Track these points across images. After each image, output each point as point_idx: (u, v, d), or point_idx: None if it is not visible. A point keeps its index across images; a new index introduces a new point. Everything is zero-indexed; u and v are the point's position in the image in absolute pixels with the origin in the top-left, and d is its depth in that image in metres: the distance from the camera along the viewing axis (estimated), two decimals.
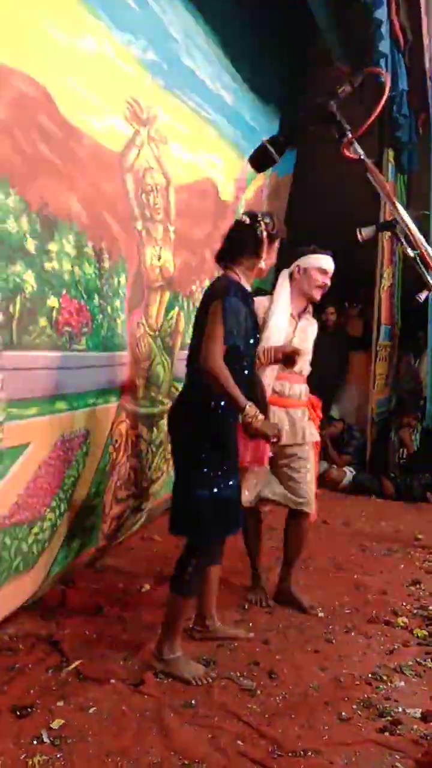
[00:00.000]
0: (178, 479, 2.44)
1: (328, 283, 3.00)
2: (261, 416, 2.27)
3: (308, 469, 3.01)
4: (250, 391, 2.41)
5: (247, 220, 2.38)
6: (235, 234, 2.43)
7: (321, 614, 2.95)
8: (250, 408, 2.25)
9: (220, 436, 2.36)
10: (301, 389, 3.02)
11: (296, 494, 2.98)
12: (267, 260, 2.42)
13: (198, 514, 2.33)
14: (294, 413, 2.97)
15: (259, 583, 3.12)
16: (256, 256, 2.38)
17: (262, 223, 2.36)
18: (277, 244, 2.47)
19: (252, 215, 2.41)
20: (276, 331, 2.90)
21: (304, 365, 3.02)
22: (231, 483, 2.40)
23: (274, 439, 2.33)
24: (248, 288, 2.43)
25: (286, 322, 2.95)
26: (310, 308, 3.09)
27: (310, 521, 3.07)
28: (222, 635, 2.67)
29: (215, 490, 2.33)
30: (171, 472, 3.73)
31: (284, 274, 3.03)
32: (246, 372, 2.42)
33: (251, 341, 2.43)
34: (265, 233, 2.36)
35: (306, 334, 3.05)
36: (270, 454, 2.89)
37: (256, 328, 2.53)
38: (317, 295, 3.00)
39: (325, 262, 2.98)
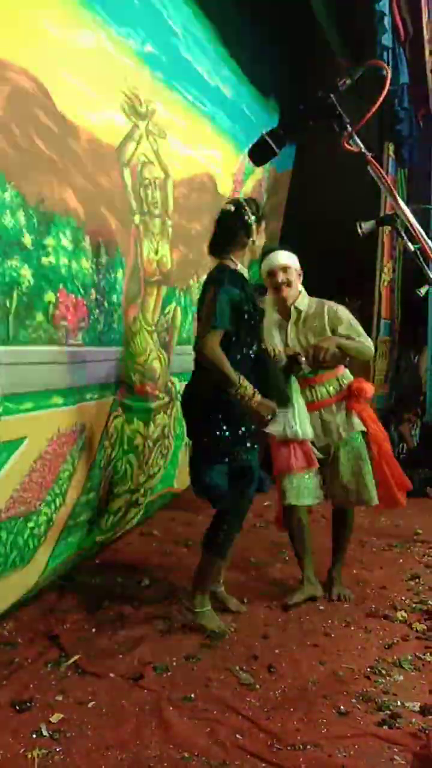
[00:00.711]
0: (194, 454, 2.67)
1: (286, 277, 2.91)
2: (258, 396, 2.44)
3: (354, 464, 2.98)
4: (255, 373, 2.55)
5: (233, 208, 2.53)
6: (224, 223, 2.56)
7: (321, 607, 2.96)
8: (243, 382, 2.42)
9: (229, 411, 2.49)
10: (331, 385, 2.99)
11: (344, 492, 3.00)
12: (258, 240, 2.59)
13: (215, 486, 2.54)
14: (324, 412, 2.97)
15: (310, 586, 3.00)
16: (248, 238, 2.54)
17: (246, 207, 2.52)
18: (263, 225, 2.63)
19: (235, 202, 2.57)
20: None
21: (329, 356, 2.88)
22: (244, 453, 2.59)
23: (269, 417, 2.50)
24: (245, 271, 2.60)
25: (275, 334, 2.98)
26: (302, 299, 2.97)
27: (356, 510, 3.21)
28: (221, 601, 2.86)
29: (228, 461, 2.55)
30: (168, 467, 3.74)
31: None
32: (251, 353, 2.57)
33: (251, 323, 2.54)
34: (252, 216, 2.52)
35: (308, 327, 2.94)
36: (319, 455, 2.96)
37: (256, 310, 2.60)
38: (280, 295, 2.94)
39: (269, 263, 2.94)
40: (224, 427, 2.51)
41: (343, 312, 3.00)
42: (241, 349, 2.51)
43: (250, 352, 2.57)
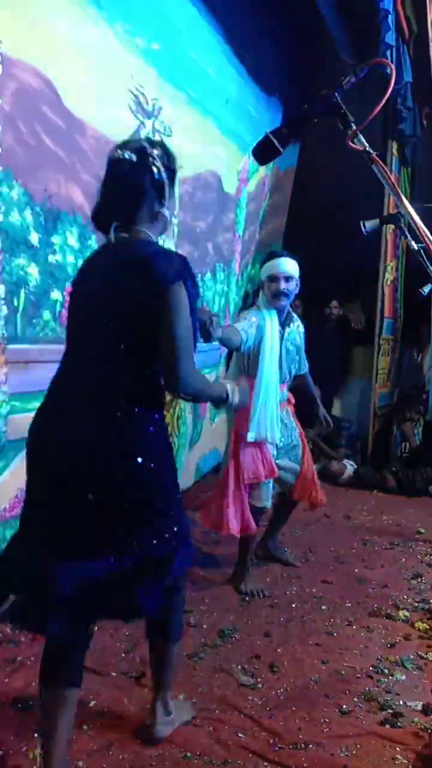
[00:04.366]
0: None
1: (288, 287, 2.95)
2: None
3: (301, 457, 3.27)
4: None
5: (134, 157, 1.65)
6: (121, 179, 1.66)
7: (323, 607, 2.96)
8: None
9: None
10: (287, 393, 3.24)
11: (291, 480, 3.26)
12: (171, 208, 1.75)
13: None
14: (283, 416, 3.15)
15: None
16: (159, 204, 1.68)
17: (155, 155, 1.66)
18: (177, 184, 1.83)
19: (138, 148, 1.66)
20: (270, 356, 2.98)
21: (292, 371, 3.20)
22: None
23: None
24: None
25: (278, 346, 3.03)
26: (292, 312, 3.17)
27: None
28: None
29: None
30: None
31: (261, 294, 3.08)
32: None
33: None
34: (163, 170, 1.67)
35: (289, 343, 3.13)
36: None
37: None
38: (278, 303, 2.97)
39: (275, 268, 2.94)
40: None
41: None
42: None
43: None
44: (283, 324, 3.07)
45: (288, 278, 2.94)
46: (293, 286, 2.98)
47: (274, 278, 2.94)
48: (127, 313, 1.57)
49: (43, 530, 1.58)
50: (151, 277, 1.54)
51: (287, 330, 3.09)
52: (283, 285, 2.93)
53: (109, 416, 1.55)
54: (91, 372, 1.59)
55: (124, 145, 1.68)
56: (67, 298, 2.43)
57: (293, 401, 3.30)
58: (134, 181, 1.65)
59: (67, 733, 1.63)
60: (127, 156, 1.65)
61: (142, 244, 1.64)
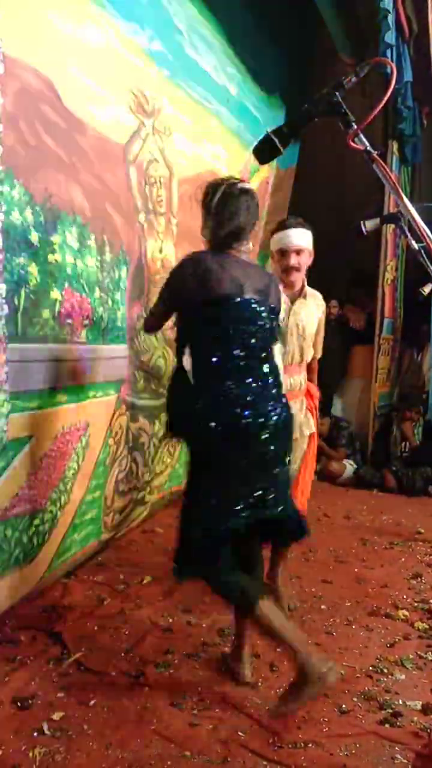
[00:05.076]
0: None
1: (298, 262, 2.71)
2: None
3: (296, 461, 2.86)
4: None
5: (248, 188, 2.14)
6: (251, 205, 2.12)
7: (323, 606, 2.96)
8: None
9: None
10: (300, 379, 2.86)
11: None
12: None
13: None
14: (293, 406, 2.76)
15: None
16: (254, 227, 2.19)
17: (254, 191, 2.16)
18: None
19: (243, 181, 2.19)
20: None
21: (305, 351, 2.84)
22: None
23: None
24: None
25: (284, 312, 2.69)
26: (306, 289, 2.83)
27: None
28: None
29: None
30: (176, 465, 3.73)
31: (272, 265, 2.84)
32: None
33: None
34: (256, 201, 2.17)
35: (299, 317, 2.79)
36: None
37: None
38: (286, 279, 2.72)
39: (284, 241, 2.69)
40: None
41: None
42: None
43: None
44: (294, 298, 2.78)
45: (299, 251, 2.70)
46: (305, 258, 2.74)
47: (283, 252, 2.71)
48: (273, 317, 2.19)
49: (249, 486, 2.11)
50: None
51: (295, 306, 2.77)
52: (293, 260, 2.69)
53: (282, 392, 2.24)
54: (261, 359, 2.15)
55: (235, 181, 2.15)
56: (66, 298, 2.44)
57: (316, 394, 2.97)
58: (255, 207, 2.13)
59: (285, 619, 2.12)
60: (248, 187, 2.14)
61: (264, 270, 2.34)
